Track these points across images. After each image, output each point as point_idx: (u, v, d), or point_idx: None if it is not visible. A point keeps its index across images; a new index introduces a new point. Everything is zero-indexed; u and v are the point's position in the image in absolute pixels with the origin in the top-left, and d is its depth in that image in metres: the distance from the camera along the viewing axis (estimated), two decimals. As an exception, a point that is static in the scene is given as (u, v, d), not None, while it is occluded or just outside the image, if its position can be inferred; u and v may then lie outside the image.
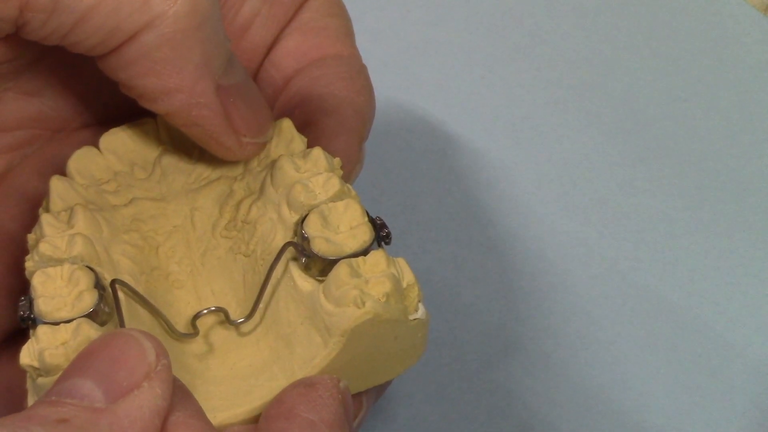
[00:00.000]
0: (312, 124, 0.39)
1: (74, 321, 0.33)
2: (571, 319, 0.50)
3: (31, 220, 0.38)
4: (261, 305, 0.36)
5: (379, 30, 0.60)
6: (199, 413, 0.30)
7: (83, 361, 0.29)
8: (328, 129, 0.39)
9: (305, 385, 0.33)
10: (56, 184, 0.37)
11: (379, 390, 0.37)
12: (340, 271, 0.34)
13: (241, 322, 0.36)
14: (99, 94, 0.40)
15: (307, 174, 0.36)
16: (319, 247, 0.34)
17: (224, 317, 0.36)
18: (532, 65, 0.60)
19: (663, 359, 0.49)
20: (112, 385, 0.28)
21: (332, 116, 0.39)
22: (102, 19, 0.33)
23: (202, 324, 0.36)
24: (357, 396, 0.35)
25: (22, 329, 0.34)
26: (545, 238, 0.53)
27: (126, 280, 0.35)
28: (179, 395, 0.30)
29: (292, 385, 0.33)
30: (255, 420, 0.34)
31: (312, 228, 0.35)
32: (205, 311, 0.36)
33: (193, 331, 0.36)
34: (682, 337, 0.50)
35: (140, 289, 0.35)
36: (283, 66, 0.41)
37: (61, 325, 0.33)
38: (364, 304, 0.33)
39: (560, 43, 0.61)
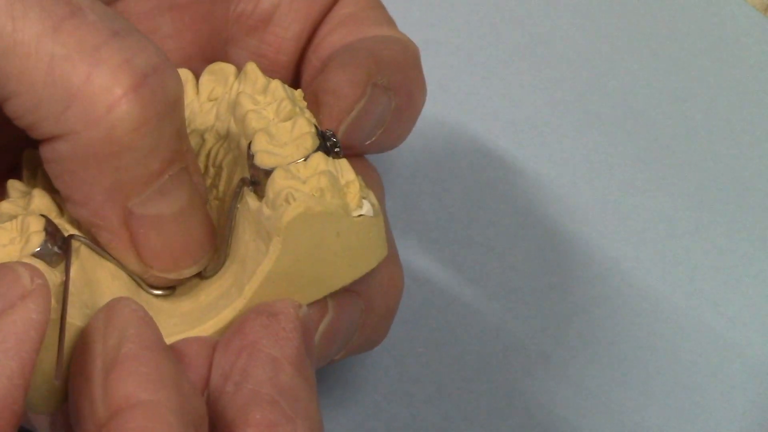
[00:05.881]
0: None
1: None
2: (571, 319, 0.50)
3: None
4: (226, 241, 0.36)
5: (379, 30, 0.60)
6: (155, 344, 0.30)
7: None
8: (332, 62, 0.38)
9: (268, 314, 0.33)
10: (13, 183, 0.36)
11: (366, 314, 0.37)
12: (276, 175, 0.33)
13: (214, 274, 0.36)
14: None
15: (264, 105, 0.36)
16: (261, 160, 0.34)
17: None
18: (532, 66, 0.60)
19: (663, 359, 0.49)
20: None
21: (343, 52, 0.39)
22: (21, 110, 0.32)
23: None
24: (321, 301, 0.35)
25: None
26: (545, 238, 0.53)
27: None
28: (134, 327, 0.30)
29: (254, 312, 0.33)
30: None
31: (257, 145, 0.35)
32: None
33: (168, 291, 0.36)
34: (682, 337, 0.50)
35: None
36: (325, 56, 0.40)
37: None
38: (295, 199, 0.33)
39: (560, 43, 0.61)
